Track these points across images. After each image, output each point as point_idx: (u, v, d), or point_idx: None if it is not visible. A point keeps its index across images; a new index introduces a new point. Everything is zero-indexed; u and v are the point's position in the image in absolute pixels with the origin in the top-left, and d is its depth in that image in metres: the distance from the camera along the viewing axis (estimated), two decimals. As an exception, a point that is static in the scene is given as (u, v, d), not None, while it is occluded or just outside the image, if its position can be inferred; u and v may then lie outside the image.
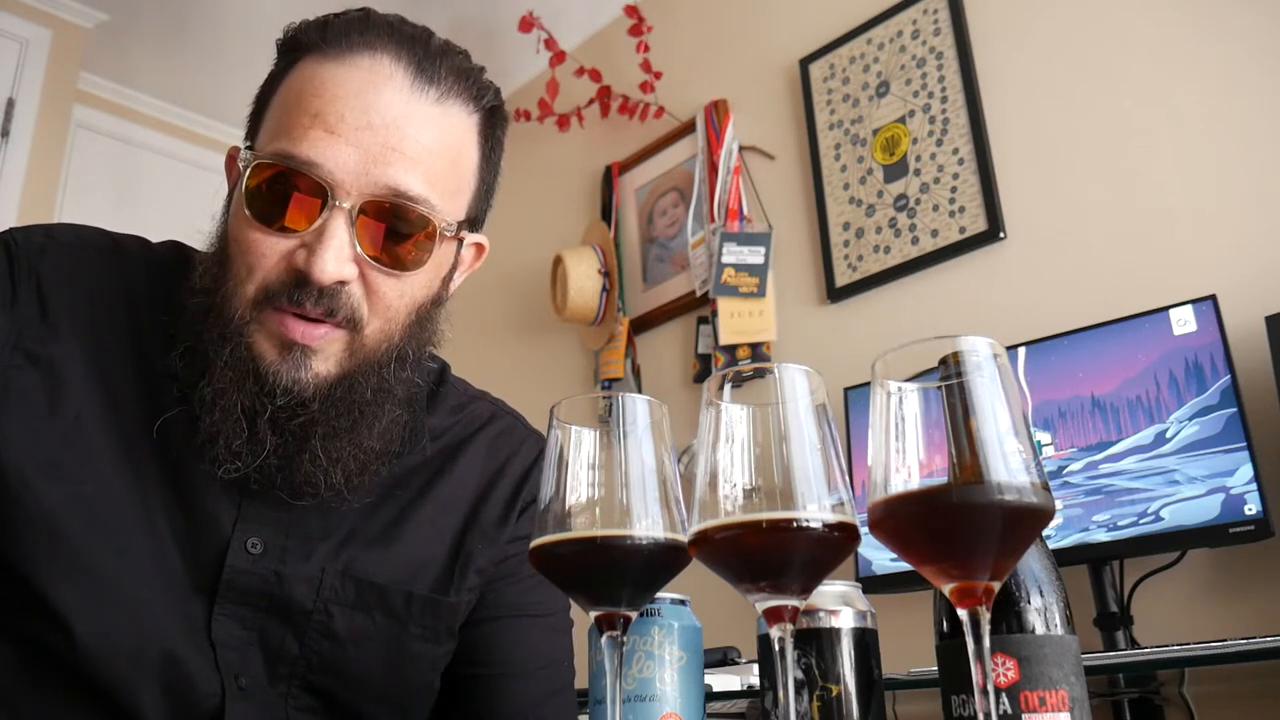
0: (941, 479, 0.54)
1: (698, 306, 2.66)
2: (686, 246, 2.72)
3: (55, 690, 0.82)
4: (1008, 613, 0.64)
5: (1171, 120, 1.93)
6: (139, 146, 3.60)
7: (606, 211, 3.00)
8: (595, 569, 0.64)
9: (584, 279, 2.83)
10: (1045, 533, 0.62)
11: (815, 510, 0.57)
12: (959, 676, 0.65)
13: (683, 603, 0.81)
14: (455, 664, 0.98)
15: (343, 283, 0.83)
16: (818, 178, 2.47)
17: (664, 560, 0.64)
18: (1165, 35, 1.97)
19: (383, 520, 0.94)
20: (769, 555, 0.58)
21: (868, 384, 0.81)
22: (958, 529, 0.54)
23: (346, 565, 0.91)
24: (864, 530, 0.59)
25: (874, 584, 1.83)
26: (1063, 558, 1.60)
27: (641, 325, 2.82)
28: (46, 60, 3.13)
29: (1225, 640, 1.30)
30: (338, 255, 0.81)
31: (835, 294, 2.37)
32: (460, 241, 0.93)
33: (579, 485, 0.64)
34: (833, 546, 0.58)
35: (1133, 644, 1.62)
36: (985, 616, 0.55)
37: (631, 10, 2.85)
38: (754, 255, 2.50)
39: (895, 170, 2.33)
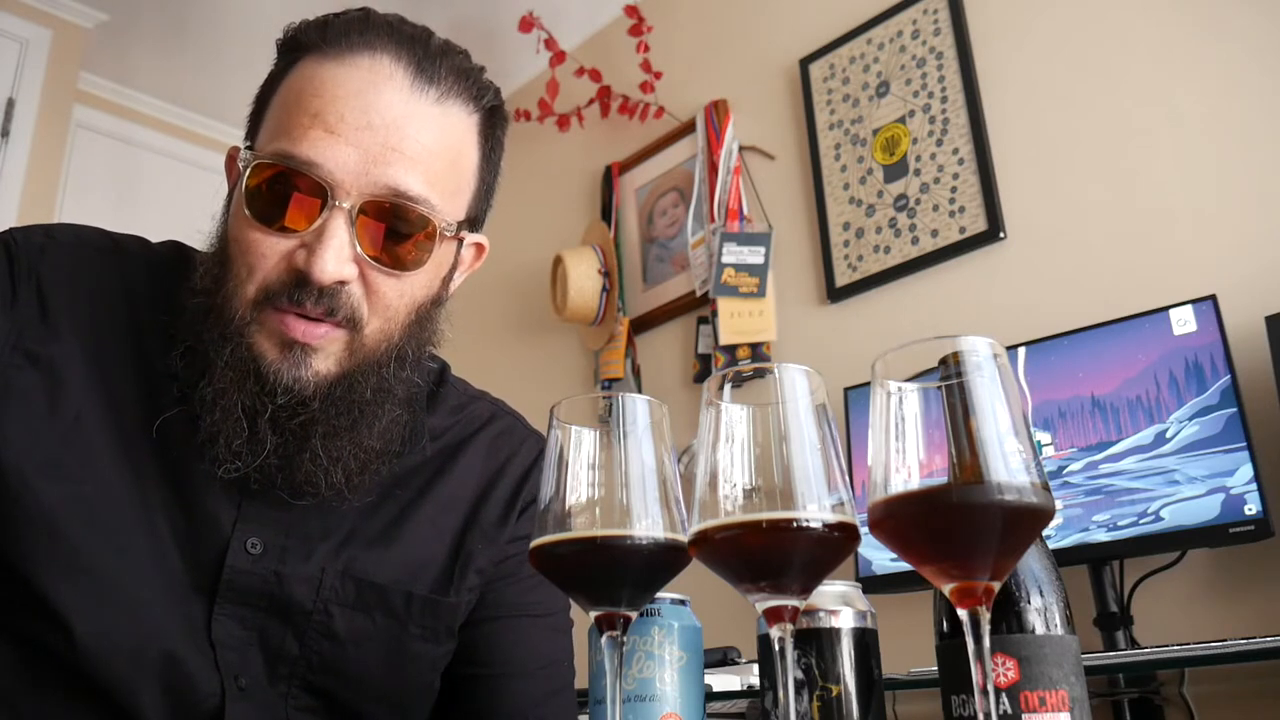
0: (941, 479, 0.54)
1: (698, 306, 2.66)
2: (686, 246, 2.72)
3: (55, 690, 0.82)
4: (1008, 613, 0.64)
5: (1171, 120, 1.93)
6: (139, 146, 3.60)
7: (606, 211, 3.00)
8: (595, 569, 0.64)
9: (584, 279, 2.83)
10: (1045, 533, 0.62)
11: (815, 510, 0.57)
12: (959, 676, 0.65)
13: (683, 603, 0.81)
14: (455, 664, 0.98)
15: (343, 283, 0.83)
16: (818, 178, 2.47)
17: (664, 560, 0.64)
18: (1165, 35, 1.97)
19: (383, 520, 0.94)
20: (769, 555, 0.58)
21: (868, 384, 0.81)
22: (958, 529, 0.54)
23: (346, 565, 0.91)
24: (864, 530, 0.59)
25: (874, 584, 1.83)
26: (1063, 558, 1.60)
27: (641, 325, 2.82)
28: (46, 60, 3.13)
29: (1225, 640, 1.30)
30: (338, 255, 0.81)
31: (835, 294, 2.37)
32: (460, 241, 0.93)
33: (579, 485, 0.64)
34: (833, 546, 0.58)
35: (1133, 644, 1.62)
36: (985, 616, 0.55)
37: (631, 10, 2.85)
38: (754, 255, 2.50)
39: (895, 170, 2.33)
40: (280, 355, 0.83)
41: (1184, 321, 1.61)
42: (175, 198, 3.42)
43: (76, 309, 0.88)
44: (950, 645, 0.66)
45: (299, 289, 0.82)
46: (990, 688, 0.54)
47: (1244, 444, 1.51)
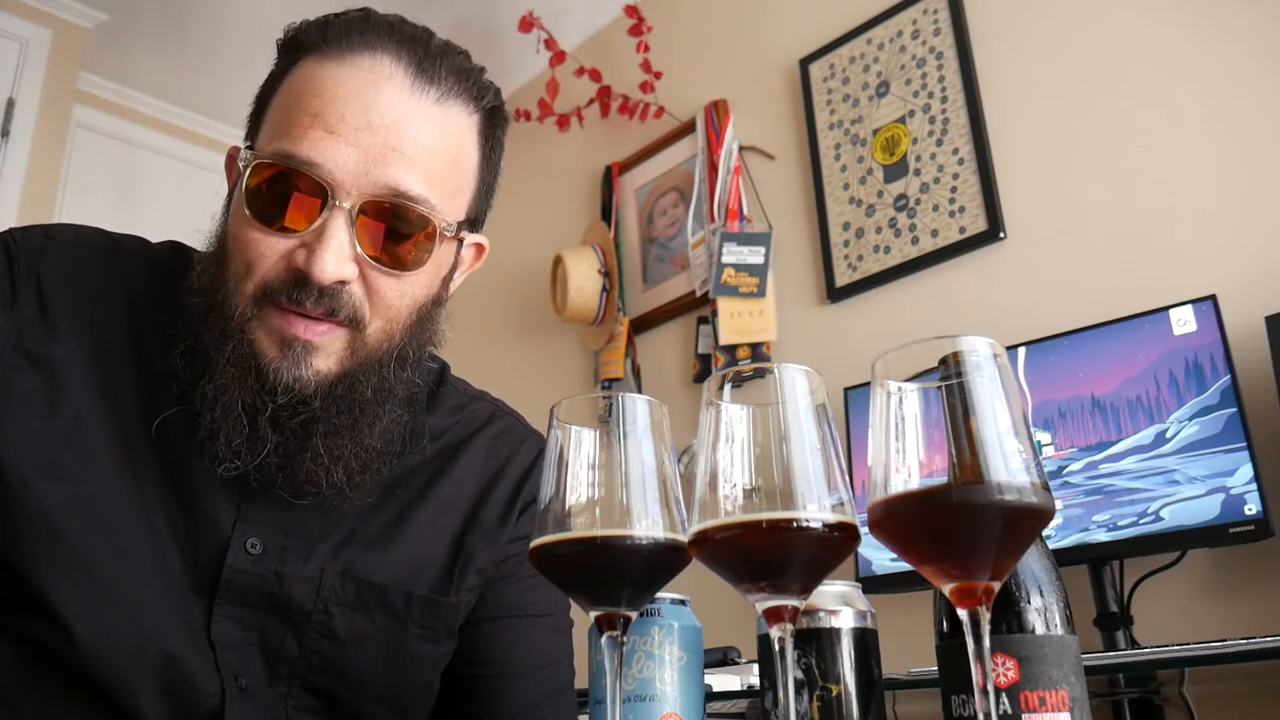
0: (941, 479, 0.54)
1: (698, 306, 2.66)
2: (686, 246, 2.72)
3: (55, 690, 0.82)
4: (1008, 613, 0.64)
5: (1171, 120, 1.93)
6: (139, 146, 3.60)
7: (606, 211, 3.00)
8: (595, 569, 0.64)
9: (584, 279, 2.83)
10: (1045, 533, 0.62)
11: (815, 510, 0.57)
12: (959, 676, 0.65)
13: (683, 603, 0.81)
14: (455, 664, 0.98)
15: (343, 282, 0.83)
16: (818, 178, 2.47)
17: (664, 560, 0.64)
18: (1165, 35, 1.97)
19: (382, 520, 0.94)
20: (769, 555, 0.58)
21: (868, 384, 0.81)
22: (958, 529, 0.54)
23: (346, 565, 0.91)
24: (864, 530, 0.59)
25: (874, 584, 1.83)
26: (1063, 558, 1.60)
27: (641, 325, 2.82)
28: (46, 60, 3.13)
29: (1225, 640, 1.30)
30: (337, 255, 0.81)
31: (835, 294, 2.37)
32: (460, 241, 0.93)
33: (579, 485, 0.64)
34: (833, 546, 0.58)
35: (1133, 644, 1.62)
36: (985, 616, 0.55)
37: (631, 10, 2.85)
38: (754, 255, 2.50)
39: (895, 170, 2.33)
40: (280, 353, 0.83)
41: (1184, 321, 1.61)
42: (175, 198, 3.42)
43: (76, 309, 0.88)
44: (950, 645, 0.66)
45: (299, 288, 0.82)
46: (990, 688, 0.54)
47: (1244, 444, 1.51)
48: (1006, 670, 0.62)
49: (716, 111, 2.73)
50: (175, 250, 0.97)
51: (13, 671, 0.82)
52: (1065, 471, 1.66)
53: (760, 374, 0.64)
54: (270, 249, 0.83)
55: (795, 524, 0.57)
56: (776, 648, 0.60)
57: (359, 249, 0.83)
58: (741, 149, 2.68)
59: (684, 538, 0.62)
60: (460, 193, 0.90)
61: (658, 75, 2.86)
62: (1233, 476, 1.51)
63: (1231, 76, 1.87)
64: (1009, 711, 0.61)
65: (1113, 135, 2.00)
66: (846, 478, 0.60)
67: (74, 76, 3.25)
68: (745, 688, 1.72)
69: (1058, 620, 0.64)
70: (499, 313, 3.27)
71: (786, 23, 2.68)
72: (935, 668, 0.68)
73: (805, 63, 2.58)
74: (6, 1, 3.07)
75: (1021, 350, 1.76)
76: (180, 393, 0.87)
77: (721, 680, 1.73)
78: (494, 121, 0.93)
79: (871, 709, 0.72)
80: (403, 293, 0.87)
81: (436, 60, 0.87)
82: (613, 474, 0.65)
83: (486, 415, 1.05)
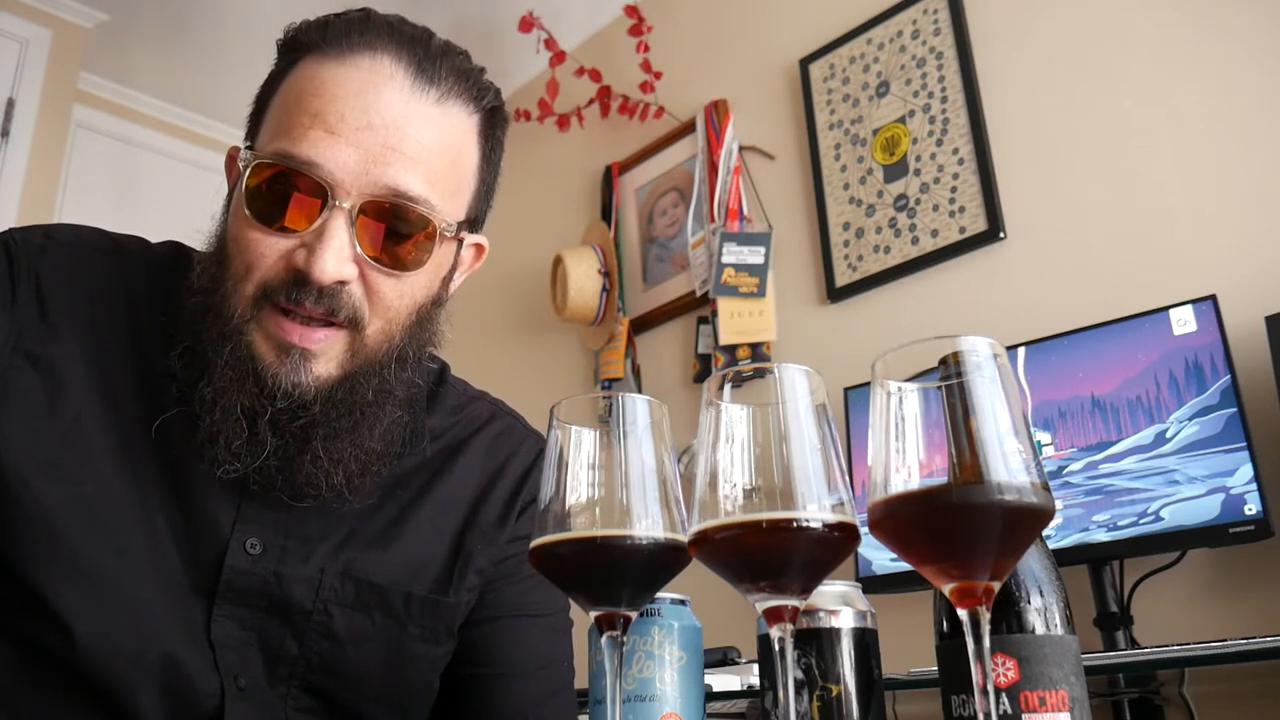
0: (941, 479, 0.54)
1: (698, 306, 2.66)
2: (686, 246, 2.72)
3: (55, 690, 0.82)
4: (1008, 613, 0.64)
5: (1171, 120, 1.93)
6: (139, 146, 3.60)
7: (606, 211, 3.00)
8: (595, 569, 0.64)
9: (584, 279, 2.83)
10: (1045, 533, 0.62)
11: (815, 510, 0.57)
12: (959, 676, 0.65)
13: (683, 603, 0.81)
14: (455, 664, 0.98)
15: (342, 283, 0.83)
16: (818, 178, 2.47)
17: (664, 560, 0.64)
18: (1165, 35, 1.97)
19: (382, 521, 0.94)
20: (769, 555, 0.58)
21: (868, 384, 0.81)
22: (958, 529, 0.54)
23: (346, 566, 0.91)
24: (864, 530, 0.59)
25: (874, 584, 1.83)
26: (1063, 558, 1.60)
27: (641, 325, 2.82)
28: (46, 60, 3.13)
29: (1225, 640, 1.30)
30: (337, 255, 0.81)
31: (835, 294, 2.37)
32: (460, 242, 0.93)
33: (579, 485, 0.64)
34: (833, 546, 0.58)
35: (1133, 644, 1.62)
36: (985, 616, 0.55)
37: (631, 10, 2.85)
38: (754, 255, 2.50)
39: (895, 170, 2.33)
40: (278, 359, 0.83)
41: (1184, 321, 1.61)
42: (175, 198, 3.42)
43: (76, 309, 0.88)
44: (950, 645, 0.66)
45: (298, 288, 0.82)
46: (990, 688, 0.54)
47: (1244, 444, 1.51)
48: (1006, 670, 0.62)
49: (716, 111, 2.73)
50: (175, 250, 0.96)
51: (13, 671, 0.82)
52: (1065, 471, 1.66)
53: (760, 374, 0.64)
54: (270, 249, 0.83)
55: (795, 524, 0.57)
56: (776, 648, 0.60)
57: (359, 249, 0.83)
58: (741, 149, 2.68)
59: (684, 538, 0.62)
60: (460, 193, 0.90)
61: (658, 75, 2.86)
62: (1233, 476, 1.51)
63: (1231, 76, 1.87)
64: (1009, 711, 0.61)
65: (1113, 135, 2.00)
66: (846, 478, 0.60)
67: (74, 76, 3.25)
68: (745, 688, 1.72)
69: (1058, 620, 0.64)
70: (499, 313, 3.27)
71: (786, 23, 2.68)
72: (935, 668, 0.68)
73: (805, 63, 2.58)
74: (6, 1, 3.07)
75: (1021, 350, 1.76)
76: (180, 394, 0.87)
77: (721, 680, 1.73)
78: (494, 122, 0.93)
79: (871, 709, 0.72)
80: (402, 293, 0.87)
81: (436, 60, 0.87)
82: (613, 474, 0.65)
83: (486, 415, 1.05)
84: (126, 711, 0.82)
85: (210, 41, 3.38)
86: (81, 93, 3.36)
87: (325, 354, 0.85)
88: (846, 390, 2.00)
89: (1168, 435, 1.58)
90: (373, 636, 0.91)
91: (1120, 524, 1.59)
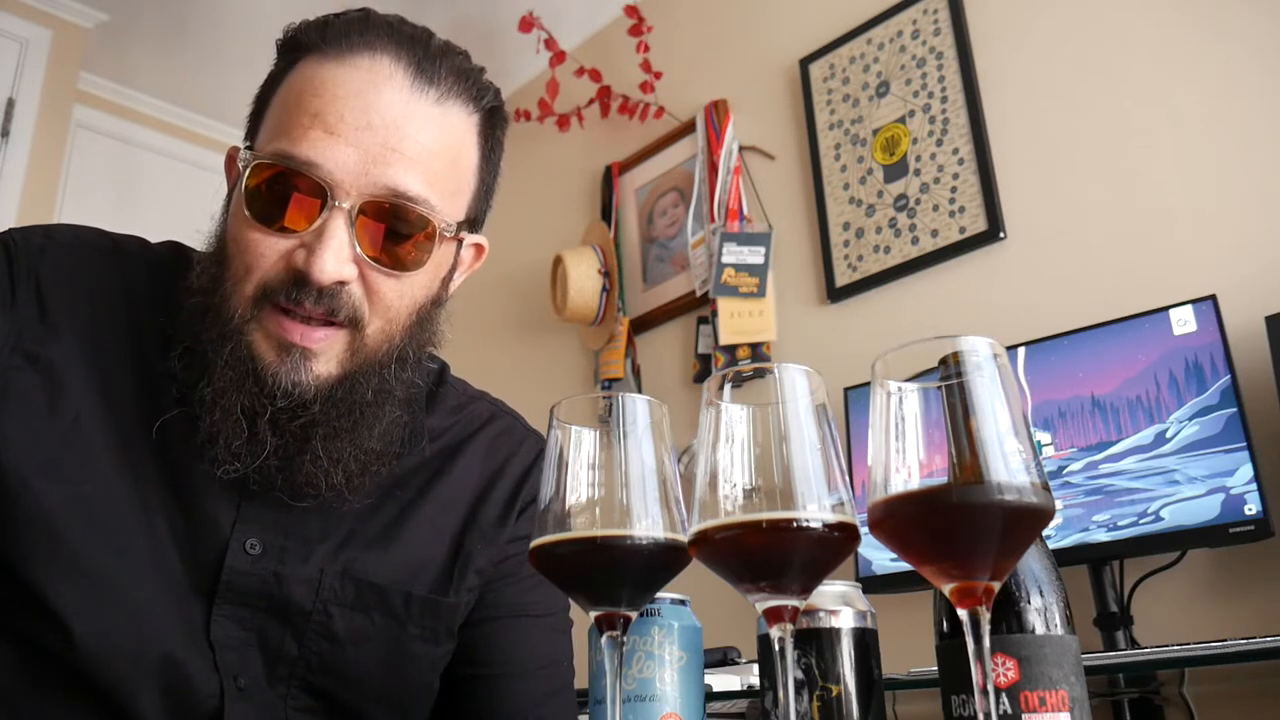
0: (941, 479, 0.54)
1: (698, 306, 2.66)
2: (686, 246, 2.72)
3: (55, 690, 0.82)
4: (1008, 613, 0.64)
5: (1171, 120, 1.93)
6: (139, 146, 3.60)
7: (606, 211, 3.00)
8: (595, 569, 0.64)
9: (584, 279, 2.83)
10: (1045, 533, 0.62)
11: (815, 510, 0.57)
12: (959, 676, 0.65)
13: (683, 603, 0.81)
14: (455, 664, 0.98)
15: (342, 283, 0.83)
16: (818, 178, 2.47)
17: (664, 560, 0.64)
18: (1165, 35, 1.97)
19: (382, 521, 0.94)
20: (769, 555, 0.58)
21: (868, 384, 0.81)
22: (958, 529, 0.54)
23: (346, 566, 0.91)
24: (864, 530, 0.58)
25: (874, 584, 1.83)
26: (1063, 558, 1.60)
27: (641, 325, 2.82)
28: (46, 60, 3.13)
29: (1225, 640, 1.30)
30: (337, 255, 0.81)
31: (835, 294, 2.37)
32: (460, 242, 0.93)
33: (579, 485, 0.64)
34: (833, 546, 0.58)
35: (1133, 644, 1.62)
36: (985, 616, 0.55)
37: (631, 10, 2.85)
38: (754, 255, 2.50)
39: (895, 170, 2.33)
40: (278, 358, 0.83)
41: (1184, 321, 1.61)
42: (175, 198, 3.42)
43: (76, 309, 0.88)
44: (950, 645, 0.66)
45: (298, 288, 0.82)
46: (990, 688, 0.54)
47: (1244, 444, 1.51)
48: (1006, 670, 0.62)
49: (716, 111, 2.73)
50: (175, 250, 0.96)
51: (13, 671, 0.82)
52: (1065, 471, 1.66)
53: (760, 374, 0.64)
54: (270, 249, 0.83)
55: (795, 524, 0.57)
56: (776, 648, 0.60)
57: (358, 249, 0.83)
58: (741, 149, 2.67)
59: (684, 538, 0.62)
60: (460, 193, 0.90)
61: (658, 75, 2.86)
62: (1233, 476, 1.51)
63: (1231, 76, 1.87)
64: (1009, 711, 0.61)
65: (1113, 135, 2.00)
66: (846, 478, 0.60)
67: (74, 76, 3.25)
68: (745, 688, 1.72)
69: (1058, 620, 0.64)
70: (499, 313, 3.27)
71: (786, 23, 2.68)
72: (935, 668, 0.67)
73: (805, 63, 2.58)
74: (6, 1, 3.07)
75: (1021, 350, 1.76)
76: (180, 394, 0.87)
77: (721, 680, 1.73)
78: (494, 122, 0.93)
79: (871, 709, 0.72)
80: (402, 293, 0.87)
81: (436, 60, 0.87)
82: (613, 474, 0.65)
83: (486, 415, 1.05)
84: (126, 711, 0.82)
85: (210, 41, 3.38)
86: (81, 93, 3.36)
87: (325, 353, 0.84)
88: (846, 390, 2.00)
89: (1168, 435, 1.58)
90: (372, 637, 0.91)
91: (1120, 524, 1.59)
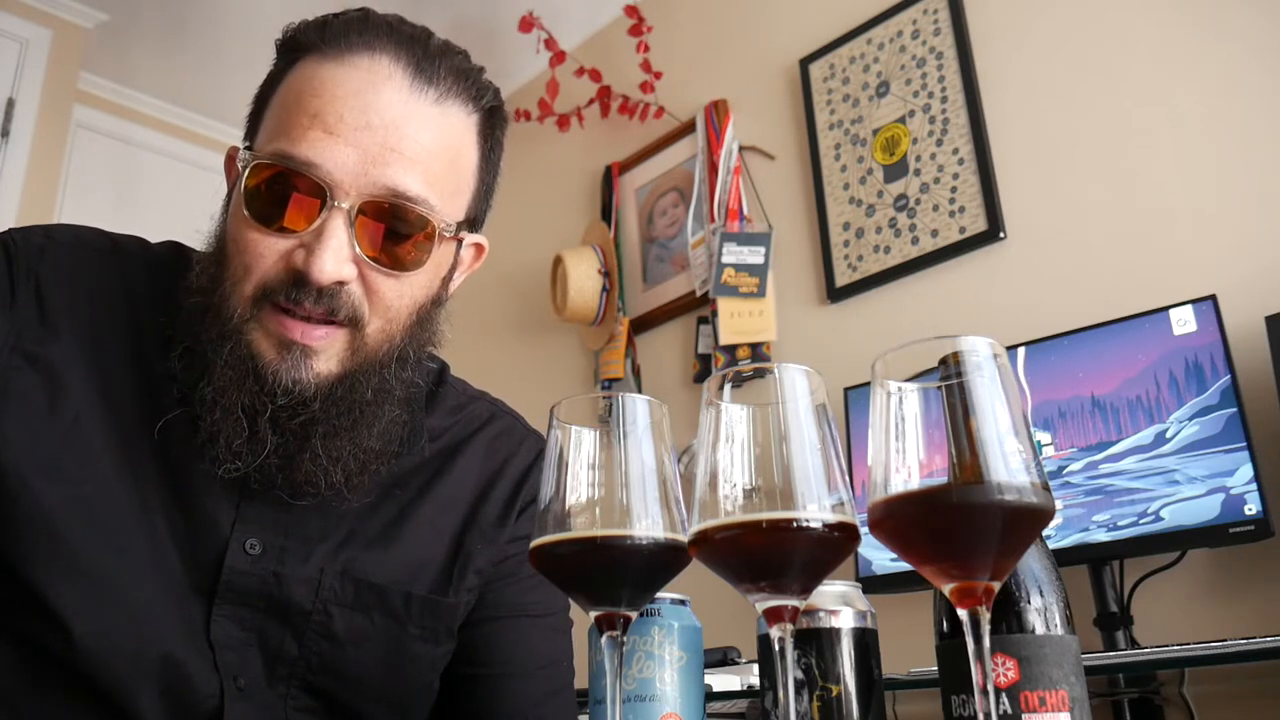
0: (941, 479, 0.54)
1: (698, 306, 2.66)
2: (686, 246, 2.72)
3: (55, 690, 0.82)
4: (1008, 613, 0.64)
5: (1171, 120, 1.93)
6: (139, 146, 3.60)
7: (606, 211, 3.00)
8: (595, 569, 0.64)
9: (584, 279, 2.83)
10: (1045, 533, 0.62)
11: (815, 510, 0.57)
12: (959, 676, 0.65)
13: (683, 603, 0.81)
14: (455, 664, 0.98)
15: (342, 283, 0.83)
16: (818, 178, 2.47)
17: (664, 560, 0.64)
18: (1165, 35, 1.97)
19: (382, 521, 0.94)
20: (769, 555, 0.58)
21: (868, 384, 0.81)
22: (958, 529, 0.54)
23: (345, 566, 0.91)
24: (864, 530, 0.58)
25: (874, 584, 1.83)
26: (1063, 558, 1.60)
27: (641, 325, 2.82)
28: (46, 60, 3.13)
29: (1225, 640, 1.30)
30: (336, 255, 0.81)
31: (835, 294, 2.37)
32: (459, 242, 0.93)
33: (579, 485, 0.64)
34: (833, 546, 0.58)
35: (1133, 644, 1.62)
36: (985, 616, 0.55)
37: (631, 10, 2.85)
38: (754, 255, 2.50)
39: (895, 170, 2.33)
40: (278, 356, 0.83)
41: (1184, 321, 1.61)
42: (175, 198, 3.42)
43: (76, 310, 0.88)
44: (950, 645, 0.66)
45: (297, 288, 0.82)
46: (990, 688, 0.54)
47: (1244, 444, 1.51)
48: (1006, 670, 0.62)
49: (716, 111, 2.73)
50: (175, 250, 0.96)
51: (13, 671, 0.82)
52: (1065, 471, 1.66)
53: (760, 374, 0.64)
54: (269, 249, 0.83)
55: (795, 524, 0.57)
56: (776, 648, 0.60)
57: (358, 249, 0.83)
58: (741, 149, 2.67)
59: (684, 538, 0.62)
60: (459, 193, 0.90)
61: (658, 75, 2.86)
62: (1233, 476, 1.51)
63: (1231, 76, 1.87)
64: (1009, 711, 0.61)
65: (1113, 135, 2.00)
66: (846, 478, 0.60)
67: (74, 76, 3.25)
68: (745, 688, 1.72)
69: (1058, 620, 0.64)
70: (499, 313, 3.27)
71: (786, 23, 2.68)
72: (935, 668, 0.67)
73: (805, 63, 2.58)
74: (6, 1, 3.07)
75: (1021, 350, 1.76)
76: (180, 394, 0.86)
77: (721, 680, 1.73)
78: (493, 121, 0.93)
79: (871, 709, 0.72)
80: (402, 293, 0.87)
81: (435, 60, 0.87)
82: (613, 474, 0.65)
83: (485, 415, 1.05)
84: (126, 712, 0.82)
85: (210, 41, 3.38)
86: (81, 93, 3.36)
87: (326, 351, 0.84)
88: (846, 390, 2.00)
89: (1168, 435, 1.58)
90: (372, 636, 0.91)
91: (1120, 524, 1.59)
